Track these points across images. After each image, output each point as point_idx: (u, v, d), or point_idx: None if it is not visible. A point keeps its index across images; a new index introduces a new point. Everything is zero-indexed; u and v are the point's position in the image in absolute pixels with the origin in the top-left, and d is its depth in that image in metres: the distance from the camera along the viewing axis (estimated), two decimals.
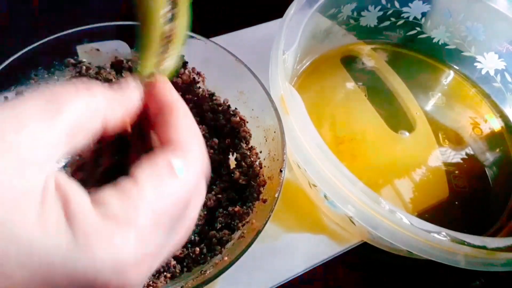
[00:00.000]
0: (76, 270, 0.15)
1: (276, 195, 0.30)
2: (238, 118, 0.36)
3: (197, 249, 0.31)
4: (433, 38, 0.56)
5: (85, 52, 0.36)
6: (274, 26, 0.43)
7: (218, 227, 0.33)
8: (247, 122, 0.37)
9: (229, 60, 0.36)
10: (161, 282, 0.30)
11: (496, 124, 0.53)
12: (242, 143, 0.36)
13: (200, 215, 0.33)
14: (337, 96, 0.51)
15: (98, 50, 0.36)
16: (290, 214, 0.41)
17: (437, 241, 0.32)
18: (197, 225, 0.33)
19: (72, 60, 0.35)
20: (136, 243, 0.17)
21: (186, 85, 0.37)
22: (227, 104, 0.37)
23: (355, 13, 0.53)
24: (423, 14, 0.54)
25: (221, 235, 0.32)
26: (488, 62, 0.54)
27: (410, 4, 0.54)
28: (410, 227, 0.32)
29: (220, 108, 0.37)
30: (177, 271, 0.31)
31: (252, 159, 0.35)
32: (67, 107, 0.17)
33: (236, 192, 0.35)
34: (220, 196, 0.35)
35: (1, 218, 0.14)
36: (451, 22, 0.54)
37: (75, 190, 0.17)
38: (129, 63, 0.36)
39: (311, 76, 0.52)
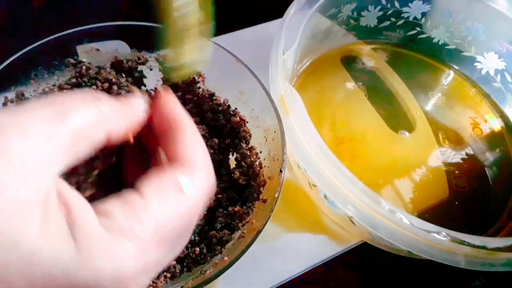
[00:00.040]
0: (77, 280, 0.15)
1: (276, 195, 0.30)
2: (238, 118, 0.36)
3: (197, 249, 0.31)
4: (433, 38, 0.56)
5: (85, 52, 0.35)
6: (274, 26, 0.43)
7: (218, 227, 0.33)
8: (247, 122, 0.37)
9: (229, 60, 0.36)
10: (161, 282, 0.30)
11: (496, 124, 0.53)
12: (242, 143, 0.36)
13: (200, 215, 0.33)
14: (337, 96, 0.51)
15: (98, 50, 0.36)
16: (290, 214, 0.41)
17: (437, 241, 0.32)
18: (197, 225, 0.33)
19: (72, 60, 0.35)
20: (137, 254, 0.17)
21: (186, 85, 0.36)
22: (227, 104, 0.37)
23: (355, 13, 0.53)
24: (423, 14, 0.54)
25: (221, 235, 0.32)
26: (488, 62, 0.54)
27: (410, 4, 0.54)
28: (410, 227, 0.32)
29: (220, 108, 0.37)
30: (177, 271, 0.31)
31: (252, 159, 0.35)
32: (73, 117, 0.17)
33: (236, 192, 0.35)
34: (220, 196, 0.35)
35: (2, 227, 0.14)
36: (451, 22, 0.54)
37: (77, 199, 0.17)
38: (129, 63, 0.36)
39: (311, 76, 0.52)
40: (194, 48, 0.23)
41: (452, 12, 0.53)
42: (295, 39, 0.42)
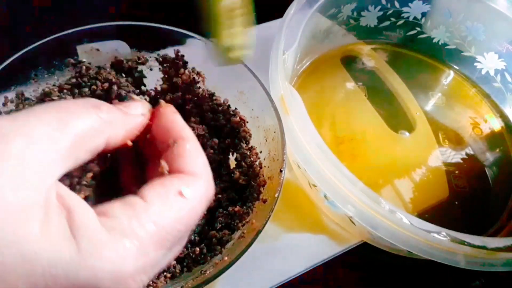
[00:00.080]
0: (78, 279, 0.16)
1: (276, 195, 0.30)
2: (238, 118, 0.36)
3: (197, 249, 0.31)
4: (433, 38, 0.56)
5: (85, 52, 0.36)
6: (274, 26, 0.43)
7: (218, 227, 0.33)
8: (247, 122, 0.37)
9: None
10: (161, 282, 0.30)
11: (496, 124, 0.53)
12: (242, 143, 0.36)
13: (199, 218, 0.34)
14: (337, 96, 0.51)
15: (98, 50, 0.36)
16: (290, 214, 0.41)
17: (437, 241, 0.32)
18: (197, 225, 0.33)
19: (72, 60, 0.35)
20: (137, 254, 0.17)
21: (186, 85, 0.36)
22: (227, 104, 0.37)
23: (355, 13, 0.53)
24: (423, 14, 0.54)
25: (221, 235, 0.32)
26: (488, 62, 0.54)
27: (410, 4, 0.54)
28: (410, 227, 0.32)
29: (220, 108, 0.37)
30: (177, 271, 0.31)
31: (252, 159, 0.35)
32: (75, 123, 0.18)
33: (236, 192, 0.35)
34: (220, 196, 0.35)
35: (3, 227, 0.15)
36: (451, 22, 0.54)
37: (77, 201, 0.17)
38: (129, 63, 0.36)
39: (311, 76, 0.52)
40: (243, 32, 0.24)
41: (452, 12, 0.53)
42: (295, 39, 0.42)
